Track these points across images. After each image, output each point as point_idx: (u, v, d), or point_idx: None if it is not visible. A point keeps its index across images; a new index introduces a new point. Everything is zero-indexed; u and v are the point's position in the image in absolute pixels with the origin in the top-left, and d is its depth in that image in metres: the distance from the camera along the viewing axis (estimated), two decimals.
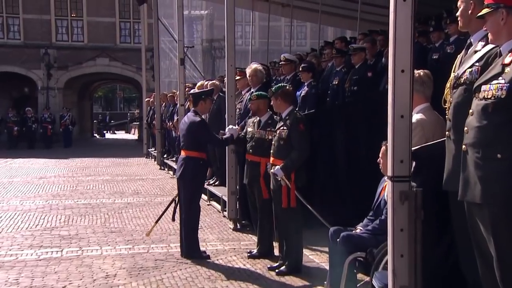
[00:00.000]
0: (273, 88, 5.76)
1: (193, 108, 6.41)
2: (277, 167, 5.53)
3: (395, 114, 3.24)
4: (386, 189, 4.25)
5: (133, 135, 36.18)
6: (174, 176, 6.70)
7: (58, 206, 9.73)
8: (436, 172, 3.35)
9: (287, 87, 5.81)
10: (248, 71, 7.52)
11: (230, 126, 6.63)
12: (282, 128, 5.63)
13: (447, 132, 3.27)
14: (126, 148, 24.93)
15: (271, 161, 5.77)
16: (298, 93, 8.22)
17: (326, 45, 11.34)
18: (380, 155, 4.50)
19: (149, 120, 19.14)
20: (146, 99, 20.07)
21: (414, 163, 3.28)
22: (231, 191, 7.86)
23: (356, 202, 6.25)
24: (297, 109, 6.43)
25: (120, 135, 40.43)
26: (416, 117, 3.90)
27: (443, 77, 4.03)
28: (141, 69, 21.28)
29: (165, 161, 15.66)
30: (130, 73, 29.00)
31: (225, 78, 8.10)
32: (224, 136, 6.37)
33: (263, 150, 5.96)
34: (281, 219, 5.77)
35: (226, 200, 8.14)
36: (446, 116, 3.33)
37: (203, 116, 6.56)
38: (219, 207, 9.08)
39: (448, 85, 3.33)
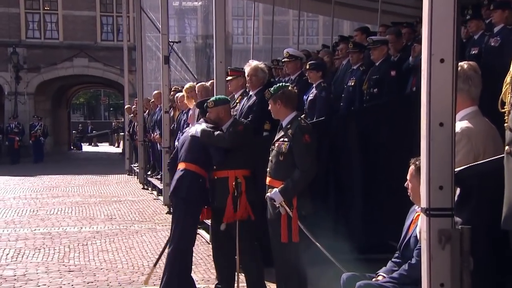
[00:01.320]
0: (272, 89, 5.35)
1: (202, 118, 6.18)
2: (275, 190, 5.11)
3: (431, 122, 2.75)
4: (417, 223, 3.84)
5: (117, 148, 35.70)
6: (167, 195, 6.25)
7: (9, 237, 9.26)
8: (490, 203, 2.96)
9: (290, 88, 5.42)
10: (247, 69, 7.16)
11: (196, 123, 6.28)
12: (282, 140, 5.23)
13: (506, 147, 2.69)
14: (107, 163, 24.50)
15: (267, 182, 5.35)
16: (305, 97, 7.87)
17: (341, 40, 10.78)
18: (408, 177, 3.90)
19: (131, 130, 18.61)
20: (127, 106, 19.53)
21: (458, 190, 2.96)
22: None
23: (377, 236, 6.04)
24: (302, 116, 5.93)
25: (103, 147, 40.02)
26: (460, 125, 3.33)
27: (487, 77, 3.68)
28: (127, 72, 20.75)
29: (149, 179, 15.13)
30: (113, 75, 28.60)
31: (213, 79, 7.53)
32: None
33: (229, 161, 5.69)
34: (280, 257, 5.31)
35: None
36: (506, 124, 2.73)
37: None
38: (208, 237, 8.49)
39: (508, 79, 2.70)
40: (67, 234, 9.45)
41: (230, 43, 25.69)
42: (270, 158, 5.32)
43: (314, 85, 7.77)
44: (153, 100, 14.86)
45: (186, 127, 10.24)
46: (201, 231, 9.10)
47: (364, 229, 6.57)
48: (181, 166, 5.85)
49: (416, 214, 3.95)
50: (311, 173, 5.12)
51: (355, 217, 6.70)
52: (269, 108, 5.41)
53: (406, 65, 7.80)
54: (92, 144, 42.22)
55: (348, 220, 6.65)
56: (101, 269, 7.29)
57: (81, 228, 9.96)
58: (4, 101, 28.19)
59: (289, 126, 5.21)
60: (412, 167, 3.89)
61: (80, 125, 44.56)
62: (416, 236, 3.91)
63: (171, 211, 8.18)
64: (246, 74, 7.17)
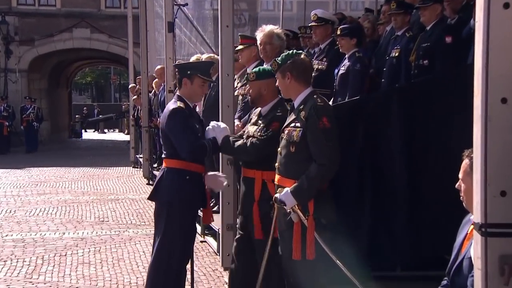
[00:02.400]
0: (279, 58, 4.92)
1: (177, 93, 5.71)
2: (285, 190, 4.66)
3: (488, 97, 2.38)
4: (471, 241, 3.22)
5: (126, 135, 35.60)
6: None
7: None
8: None
9: (302, 56, 4.95)
10: (259, 36, 6.82)
11: (214, 124, 5.67)
12: (293, 125, 4.79)
13: None
14: (111, 154, 24.41)
15: (276, 181, 4.94)
16: (336, 71, 7.49)
17: (387, 2, 10.16)
18: (460, 175, 3.31)
19: (135, 114, 18.25)
20: (131, 85, 19.18)
21: None
22: (227, 225, 7.09)
23: (428, 249, 5.84)
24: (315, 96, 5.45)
25: (111, 135, 40.03)
26: None
27: None
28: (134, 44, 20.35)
29: (155, 172, 14.69)
30: (120, 49, 28.32)
31: (219, 47, 7.10)
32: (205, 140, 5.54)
33: (260, 159, 5.21)
34: (291, 278, 4.86)
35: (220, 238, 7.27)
36: None
37: (197, 108, 6.02)
38: (215, 245, 8.14)
39: None
40: (44, 241, 9.15)
41: (257, 9, 25.15)
42: (279, 149, 4.86)
43: (346, 56, 7.33)
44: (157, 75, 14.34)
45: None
46: (209, 239, 8.76)
47: (411, 240, 6.12)
48: (163, 163, 5.64)
49: (470, 227, 3.37)
50: (332, 167, 4.65)
51: (398, 225, 6.20)
52: (277, 84, 5.00)
53: (466, 29, 7.20)
54: (99, 130, 42.24)
55: (388, 229, 6.17)
56: (77, 287, 6.87)
57: (63, 233, 9.67)
58: None
59: (301, 107, 4.76)
60: (465, 162, 3.28)
61: (84, 108, 44.71)
62: (471, 258, 3.32)
63: None
64: (258, 42, 6.86)
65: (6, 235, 9.48)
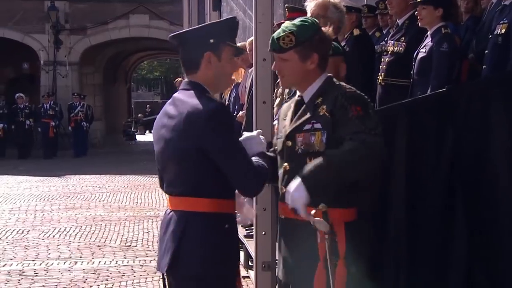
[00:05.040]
0: (295, 29, 3.91)
1: (186, 78, 4.09)
2: (294, 183, 3.65)
3: None
4: None
5: None
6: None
7: None
8: None
9: (318, 27, 3.99)
10: (310, 6, 6.09)
11: (250, 135, 4.19)
12: (307, 127, 3.90)
13: None
14: None
15: (280, 212, 4.18)
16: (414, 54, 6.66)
17: None
18: None
19: None
20: (176, 80, 18.67)
21: None
22: (262, 263, 6.24)
23: None
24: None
25: None
26: None
27: None
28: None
29: None
30: None
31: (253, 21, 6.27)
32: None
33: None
34: None
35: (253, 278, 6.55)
36: None
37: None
38: None
39: None
40: (47, 274, 8.32)
41: None
42: (284, 164, 3.93)
43: (429, 33, 6.43)
44: None
45: (236, 110, 8.78)
46: (252, 274, 7.76)
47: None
48: (172, 204, 3.94)
49: None
50: (378, 151, 3.66)
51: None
52: (280, 70, 3.99)
53: None
54: (147, 131, 41.98)
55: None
56: None
57: (75, 263, 8.84)
58: (40, 73, 28.09)
59: (319, 100, 3.85)
60: None
61: (148, 106, 44.64)
62: None
63: None
64: (309, 14, 6.02)
65: (4, 265, 8.68)
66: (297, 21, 3.97)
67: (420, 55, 6.41)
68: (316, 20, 4.10)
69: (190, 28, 4.49)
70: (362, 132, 3.62)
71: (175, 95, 4.00)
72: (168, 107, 3.93)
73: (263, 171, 3.79)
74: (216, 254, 3.78)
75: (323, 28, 3.95)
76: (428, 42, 6.40)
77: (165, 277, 3.95)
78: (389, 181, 5.14)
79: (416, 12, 6.75)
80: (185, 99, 3.82)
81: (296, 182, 3.58)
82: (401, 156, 5.07)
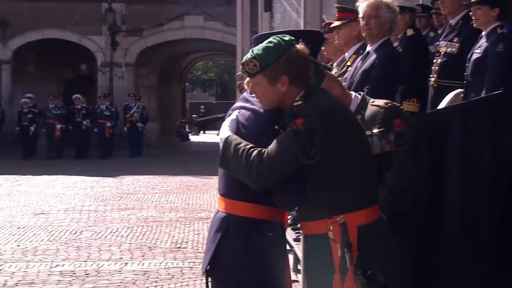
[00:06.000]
0: (259, 52, 3.81)
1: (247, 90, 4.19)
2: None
3: None
4: None
5: None
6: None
7: (9, 278, 8.17)
8: None
9: (285, 48, 3.84)
10: (362, 6, 5.93)
11: None
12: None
13: None
14: None
15: None
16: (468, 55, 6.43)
17: None
18: None
19: None
20: (238, 82, 18.34)
21: None
22: None
23: None
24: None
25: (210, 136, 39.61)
26: None
27: None
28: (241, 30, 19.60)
29: None
30: (235, 38, 27.68)
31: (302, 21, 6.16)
32: None
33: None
34: None
35: None
36: None
37: None
38: None
39: None
40: (98, 275, 8.28)
41: None
42: None
43: (484, 33, 6.20)
44: None
45: None
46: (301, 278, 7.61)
47: None
48: (220, 205, 3.93)
49: None
50: (267, 172, 3.63)
51: None
52: (255, 93, 3.88)
53: None
54: (204, 131, 41.92)
55: None
56: None
57: (125, 264, 8.78)
58: (97, 75, 28.33)
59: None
60: None
61: (202, 106, 44.68)
62: None
63: None
64: (360, 14, 5.93)
65: (57, 265, 8.66)
66: (263, 44, 3.82)
67: (475, 56, 6.20)
68: (285, 39, 3.89)
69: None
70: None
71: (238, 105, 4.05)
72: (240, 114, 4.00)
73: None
74: (256, 261, 3.70)
75: (297, 46, 3.78)
76: (483, 42, 6.19)
77: (208, 278, 3.91)
78: (442, 184, 4.97)
79: (470, 13, 6.55)
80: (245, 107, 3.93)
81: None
82: (454, 160, 4.88)
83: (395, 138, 4.20)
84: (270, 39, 3.80)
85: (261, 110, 3.78)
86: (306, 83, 3.83)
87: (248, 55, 3.76)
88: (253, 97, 3.85)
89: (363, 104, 4.43)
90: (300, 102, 3.74)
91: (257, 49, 3.76)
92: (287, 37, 3.79)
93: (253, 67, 3.75)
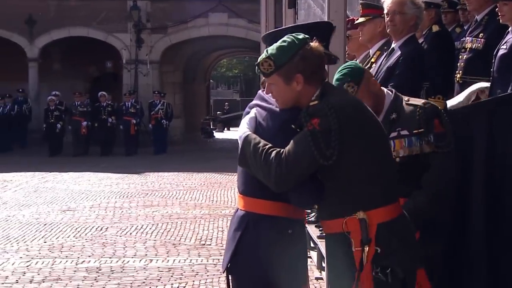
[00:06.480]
0: (274, 52, 3.76)
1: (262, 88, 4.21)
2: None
3: None
4: None
5: None
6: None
7: (36, 274, 8.18)
8: None
9: (299, 46, 3.80)
10: (386, 2, 5.87)
11: None
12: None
13: None
14: None
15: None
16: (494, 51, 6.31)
17: None
18: None
19: None
20: (263, 80, 18.23)
21: None
22: None
23: None
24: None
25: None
26: None
27: None
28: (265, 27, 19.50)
29: None
30: (259, 36, 27.59)
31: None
32: None
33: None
34: None
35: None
36: None
37: None
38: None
39: None
40: (123, 271, 8.28)
41: None
42: None
43: (510, 29, 6.08)
44: None
45: None
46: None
47: None
48: (239, 202, 3.95)
49: None
50: (286, 171, 3.66)
51: None
52: (271, 93, 3.86)
53: None
54: (229, 129, 41.77)
55: None
56: None
57: (150, 261, 8.79)
58: (123, 72, 28.37)
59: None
60: None
61: (226, 103, 44.64)
62: None
63: None
64: (385, 10, 5.82)
65: (82, 262, 8.69)
66: (277, 43, 3.79)
67: (501, 52, 6.07)
68: (299, 37, 3.85)
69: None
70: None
71: (256, 102, 4.07)
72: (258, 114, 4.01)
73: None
74: (276, 259, 3.70)
75: (311, 43, 3.75)
76: (509, 38, 6.06)
77: (229, 275, 3.94)
78: (467, 182, 4.90)
79: (496, 9, 6.46)
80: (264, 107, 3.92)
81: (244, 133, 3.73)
82: (480, 157, 4.81)
83: (435, 139, 4.18)
84: (284, 38, 3.79)
85: (277, 109, 3.76)
86: (321, 80, 3.82)
87: (263, 55, 3.75)
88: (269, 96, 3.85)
89: (397, 102, 4.40)
90: (316, 102, 3.73)
91: (271, 48, 3.74)
92: (301, 36, 3.77)
93: (268, 67, 3.74)
